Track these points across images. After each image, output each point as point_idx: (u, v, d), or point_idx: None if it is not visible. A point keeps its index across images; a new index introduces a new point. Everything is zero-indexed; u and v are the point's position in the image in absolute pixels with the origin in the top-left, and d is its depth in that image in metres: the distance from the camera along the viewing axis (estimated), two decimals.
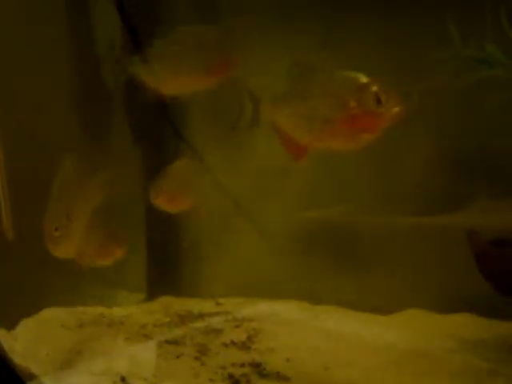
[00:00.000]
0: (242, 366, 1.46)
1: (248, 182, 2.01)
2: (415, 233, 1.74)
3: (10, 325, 1.76)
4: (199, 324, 1.77)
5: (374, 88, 1.15)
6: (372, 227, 1.81)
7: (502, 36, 1.47)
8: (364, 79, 1.18)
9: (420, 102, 1.67)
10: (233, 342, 1.60)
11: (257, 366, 1.45)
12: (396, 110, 1.14)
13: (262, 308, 1.88)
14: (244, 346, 1.57)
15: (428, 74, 1.61)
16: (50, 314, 1.91)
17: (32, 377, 1.48)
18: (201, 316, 1.86)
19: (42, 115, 1.90)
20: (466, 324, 1.65)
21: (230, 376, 1.41)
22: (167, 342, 1.64)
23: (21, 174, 1.86)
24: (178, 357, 1.53)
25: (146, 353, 1.60)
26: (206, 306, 1.99)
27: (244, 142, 2.00)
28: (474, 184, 1.66)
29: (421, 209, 1.74)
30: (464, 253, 1.52)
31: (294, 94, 1.30)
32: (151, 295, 2.16)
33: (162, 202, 1.76)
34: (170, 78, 1.52)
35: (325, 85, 1.23)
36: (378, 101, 1.13)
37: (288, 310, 1.85)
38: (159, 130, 2.10)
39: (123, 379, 1.41)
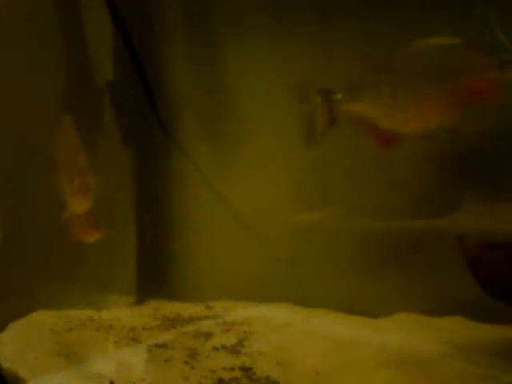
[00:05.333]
0: (232, 369, 1.45)
1: (240, 184, 2.00)
2: (406, 236, 1.73)
3: None
4: (189, 327, 1.76)
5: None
6: (363, 230, 1.80)
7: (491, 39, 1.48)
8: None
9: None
10: (223, 346, 1.59)
11: (247, 370, 1.44)
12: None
13: (253, 311, 1.87)
14: (234, 350, 1.56)
15: None
16: (38, 317, 1.90)
17: (20, 381, 1.47)
18: (191, 319, 1.85)
19: (29, 116, 1.89)
20: (457, 327, 1.65)
21: (220, 380, 1.40)
22: (157, 345, 1.63)
23: (8, 176, 1.85)
24: (167, 360, 1.52)
25: (135, 356, 1.59)
26: (196, 309, 1.98)
27: (236, 141, 2.00)
28: (463, 188, 1.66)
29: (411, 213, 1.74)
30: (455, 256, 1.52)
31: (377, 80, 1.25)
32: (141, 298, 2.15)
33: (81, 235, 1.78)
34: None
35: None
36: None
37: (279, 313, 1.85)
38: (149, 131, 2.09)
39: (112, 383, 1.39)
